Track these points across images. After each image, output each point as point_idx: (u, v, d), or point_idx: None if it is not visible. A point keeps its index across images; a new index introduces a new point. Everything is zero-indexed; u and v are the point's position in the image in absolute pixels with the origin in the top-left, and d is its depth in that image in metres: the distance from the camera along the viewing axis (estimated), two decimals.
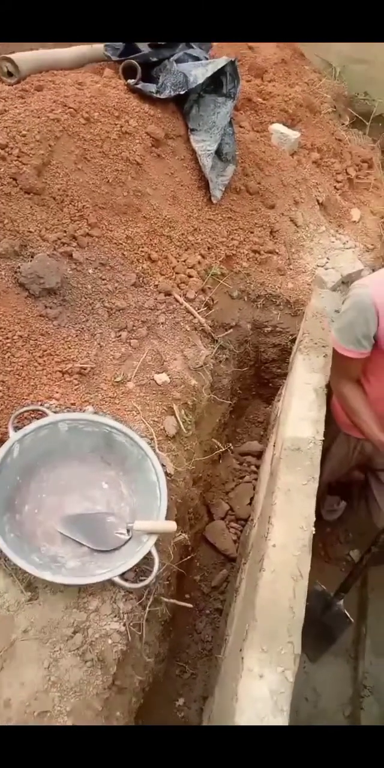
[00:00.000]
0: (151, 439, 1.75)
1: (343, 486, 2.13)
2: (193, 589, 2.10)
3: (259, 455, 2.35)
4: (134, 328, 2.04)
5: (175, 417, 1.85)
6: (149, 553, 1.42)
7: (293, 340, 2.37)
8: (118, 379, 1.87)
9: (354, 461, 1.84)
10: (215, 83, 2.55)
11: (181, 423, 1.85)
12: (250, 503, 2.15)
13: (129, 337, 2.01)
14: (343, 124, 4.05)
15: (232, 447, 2.41)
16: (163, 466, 1.70)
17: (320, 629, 1.68)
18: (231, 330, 2.30)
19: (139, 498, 1.57)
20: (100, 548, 1.50)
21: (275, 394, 2.55)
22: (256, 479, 2.24)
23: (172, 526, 1.41)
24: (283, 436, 1.47)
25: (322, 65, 4.69)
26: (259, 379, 2.58)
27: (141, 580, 1.47)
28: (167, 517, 1.58)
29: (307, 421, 1.48)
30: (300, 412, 1.51)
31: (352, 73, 4.65)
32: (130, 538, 1.48)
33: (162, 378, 1.92)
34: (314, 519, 1.25)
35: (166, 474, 1.71)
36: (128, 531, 1.48)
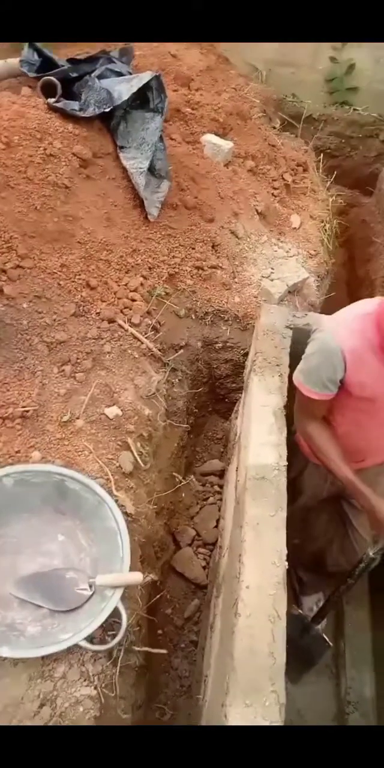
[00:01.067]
0: (107, 479, 1.65)
1: (316, 579, 2.07)
2: (165, 623, 2.02)
3: (221, 474, 2.29)
4: (78, 361, 1.93)
5: (131, 452, 1.76)
6: (116, 608, 1.33)
7: (245, 355, 2.33)
8: (66, 418, 1.77)
9: (326, 491, 1.80)
10: (141, 98, 2.49)
11: (137, 457, 1.76)
12: (216, 526, 2.09)
13: (73, 371, 1.91)
14: (274, 127, 4.09)
15: (193, 470, 2.35)
16: (122, 506, 1.61)
17: (299, 652, 1.64)
18: (181, 350, 2.23)
19: (99, 547, 1.48)
20: (62, 608, 1.39)
21: (232, 409, 2.50)
22: (220, 500, 2.19)
23: (137, 577, 1.32)
24: (245, 464, 1.42)
25: (248, 69, 4.73)
26: (214, 396, 2.53)
27: (109, 636, 1.38)
28: (132, 561, 1.50)
29: (269, 446, 1.43)
30: (260, 438, 1.46)
31: (278, 76, 4.73)
32: (93, 594, 1.39)
33: (113, 411, 1.83)
34: (286, 552, 1.20)
35: (127, 515, 1.62)
36: (91, 586, 1.38)
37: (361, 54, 4.47)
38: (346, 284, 3.64)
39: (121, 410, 1.84)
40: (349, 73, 4.59)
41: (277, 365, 1.71)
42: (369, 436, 1.63)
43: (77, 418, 1.79)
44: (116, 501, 1.58)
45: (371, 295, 3.25)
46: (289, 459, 1.65)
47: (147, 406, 1.93)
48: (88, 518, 1.50)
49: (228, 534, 1.61)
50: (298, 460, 1.81)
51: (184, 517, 2.17)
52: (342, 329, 1.44)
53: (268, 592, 1.12)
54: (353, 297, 3.61)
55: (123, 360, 2.00)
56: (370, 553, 1.55)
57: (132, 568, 1.46)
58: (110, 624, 1.39)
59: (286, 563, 1.17)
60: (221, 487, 2.25)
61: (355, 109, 4.65)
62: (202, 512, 2.15)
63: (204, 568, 2.03)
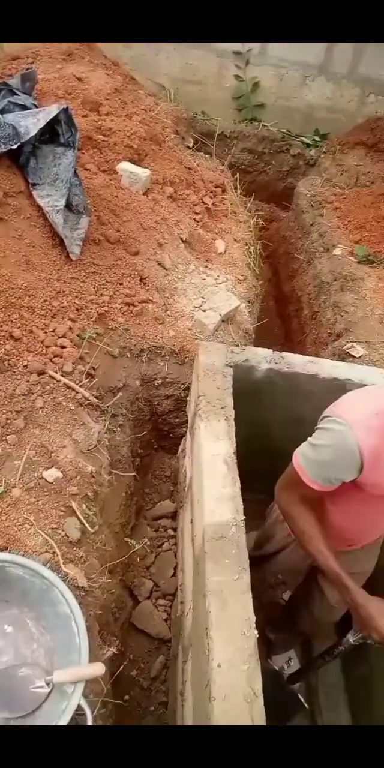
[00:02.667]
0: (53, 553, 1.52)
1: (285, 638, 2.02)
2: (131, 686, 1.90)
3: (174, 515, 2.21)
4: (8, 421, 1.78)
5: (77, 516, 1.64)
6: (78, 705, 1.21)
7: (186, 389, 2.28)
8: (0, 489, 1.61)
9: (305, 571, 1.74)
10: (51, 132, 2.36)
11: (84, 522, 1.64)
12: (174, 574, 2.01)
13: (3, 433, 1.75)
14: (188, 147, 4.10)
15: (144, 514, 2.25)
16: (74, 580, 1.49)
17: (272, 707, 1.59)
18: (120, 393, 2.13)
19: (53, 635, 1.34)
20: (18, 714, 1.25)
21: (177, 444, 2.44)
22: (175, 544, 2.10)
23: (98, 670, 1.21)
24: (202, 524, 1.35)
25: (156, 88, 4.74)
26: (158, 433, 2.45)
27: None
28: (91, 638, 1.38)
29: (224, 500, 1.38)
30: (214, 491, 1.40)
31: (186, 94, 4.77)
32: (51, 691, 1.25)
33: (53, 474, 1.69)
34: (254, 618, 1.14)
35: (80, 588, 1.50)
36: (48, 683, 1.25)
37: (265, 72, 4.62)
38: (274, 300, 3.70)
39: (62, 471, 1.71)
40: (255, 91, 4.73)
41: (222, 408, 1.66)
42: (367, 524, 1.56)
43: (13, 487, 1.64)
44: (66, 578, 1.46)
45: (299, 311, 3.33)
46: (270, 533, 1.59)
47: (89, 461, 1.81)
48: (37, 604, 1.36)
49: (189, 592, 1.54)
50: (282, 536, 1.74)
51: (139, 568, 2.06)
52: (361, 426, 1.27)
53: (241, 667, 1.06)
54: (282, 313, 3.69)
55: (58, 414, 1.87)
56: (351, 640, 1.48)
57: (91, 649, 1.35)
58: (73, 717, 1.27)
59: (256, 632, 1.12)
60: (175, 530, 2.16)
61: (264, 125, 4.79)
62: (157, 561, 2.06)
63: (165, 620, 1.93)
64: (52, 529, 1.58)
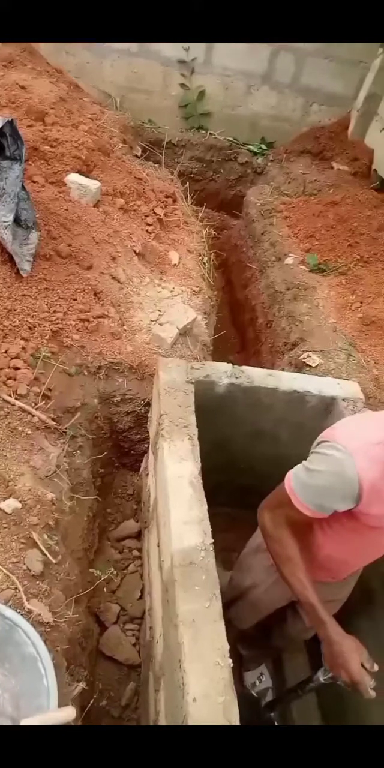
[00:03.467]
0: (15, 589, 1.45)
1: (257, 653, 1.98)
2: (101, 718, 1.84)
3: (138, 535, 2.17)
4: None
5: (39, 548, 1.57)
6: None
7: (146, 405, 2.25)
8: None
9: (283, 603, 1.68)
10: None
11: (46, 553, 1.57)
12: (141, 597, 1.97)
13: None
14: (136, 156, 4.07)
15: (107, 536, 2.19)
16: (38, 616, 1.43)
17: None
18: (78, 413, 2.07)
19: (18, 678, 1.27)
20: None
21: (139, 461, 2.40)
22: (141, 565, 2.06)
23: (69, 714, 1.16)
24: (170, 550, 1.32)
25: (101, 96, 4.67)
26: (119, 450, 2.40)
27: None
28: (58, 676, 1.32)
29: (191, 524, 1.35)
30: (180, 515, 1.37)
31: (132, 102, 4.74)
32: None
33: (11, 505, 1.61)
34: (228, 647, 1.13)
35: (45, 624, 1.44)
36: None
37: (210, 81, 4.65)
38: (228, 309, 3.73)
39: (20, 501, 1.63)
40: (201, 99, 4.75)
41: (185, 426, 1.64)
42: (355, 553, 1.50)
43: None
44: (30, 615, 1.39)
45: (254, 320, 3.37)
46: (248, 564, 1.52)
47: (49, 488, 1.74)
48: (1, 647, 1.29)
49: (158, 618, 1.50)
50: (261, 568, 1.67)
51: (105, 592, 2.01)
52: (363, 456, 1.21)
53: (217, 700, 1.04)
54: (237, 321, 3.72)
55: (14, 440, 1.79)
56: (321, 679, 1.42)
57: (60, 687, 1.29)
58: None
59: (230, 661, 1.11)
60: (139, 550, 2.12)
61: (211, 134, 4.83)
62: (123, 584, 2.01)
63: (134, 645, 1.89)
64: (13, 563, 1.51)
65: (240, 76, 4.65)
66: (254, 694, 1.81)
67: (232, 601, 1.80)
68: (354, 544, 1.43)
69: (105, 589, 2.03)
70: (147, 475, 2.07)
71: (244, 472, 2.15)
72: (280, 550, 1.37)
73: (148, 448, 2.30)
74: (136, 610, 1.93)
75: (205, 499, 1.45)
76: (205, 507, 1.43)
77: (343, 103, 4.69)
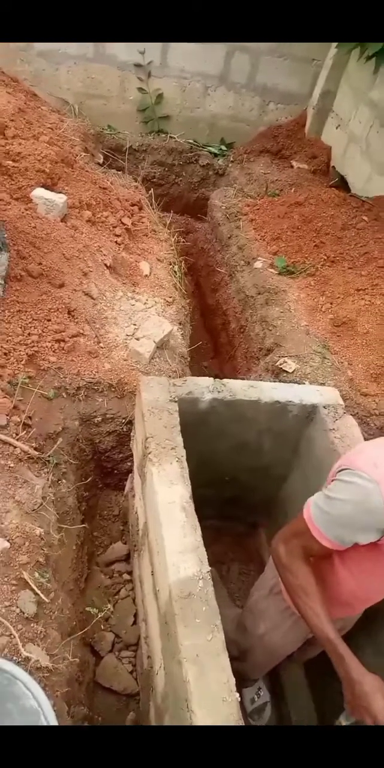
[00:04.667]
0: (10, 635, 1.41)
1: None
2: None
3: (127, 557, 2.15)
4: None
5: (30, 588, 1.53)
6: None
7: (128, 423, 2.22)
8: None
9: (300, 643, 1.62)
10: None
11: (39, 592, 1.53)
12: (134, 622, 1.95)
13: None
14: (98, 164, 4.01)
15: (96, 560, 2.16)
16: (36, 662, 1.39)
17: None
18: (60, 439, 2.02)
19: None
20: None
21: (122, 480, 2.37)
22: (132, 589, 2.04)
23: None
24: (167, 582, 1.31)
25: (59, 103, 4.58)
26: (101, 470, 2.36)
27: None
28: (60, 721, 1.30)
29: (186, 552, 1.34)
30: (175, 544, 1.36)
31: (90, 109, 4.66)
32: None
33: None
34: (234, 680, 1.13)
35: (42, 669, 1.40)
36: None
37: (167, 84, 4.62)
38: (199, 314, 3.73)
39: (8, 540, 1.58)
40: (159, 103, 4.71)
41: (172, 448, 1.63)
42: (377, 585, 1.42)
43: None
44: (27, 663, 1.36)
45: (226, 325, 3.38)
46: (260, 609, 1.52)
47: (36, 522, 1.70)
48: (1, 702, 1.25)
49: (157, 649, 1.49)
50: (276, 611, 1.58)
51: (98, 622, 1.97)
52: None
53: None
54: (209, 326, 3.72)
55: None
56: (343, 724, 1.34)
57: None
58: None
59: (237, 695, 1.11)
60: (130, 573, 2.10)
61: (171, 137, 4.80)
62: (116, 610, 1.98)
63: (131, 672, 1.86)
64: (6, 607, 1.46)
65: (197, 78, 4.64)
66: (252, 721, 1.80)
67: (244, 653, 1.72)
68: (378, 577, 1.35)
69: (98, 618, 1.99)
70: (133, 496, 2.05)
71: (229, 485, 2.16)
72: (294, 580, 1.31)
73: (131, 466, 2.28)
74: (131, 637, 1.91)
75: (198, 524, 1.44)
76: (199, 532, 1.42)
77: (298, 100, 4.76)
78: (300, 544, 1.30)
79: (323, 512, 1.24)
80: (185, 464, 1.59)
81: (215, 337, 3.57)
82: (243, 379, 2.83)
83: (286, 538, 1.35)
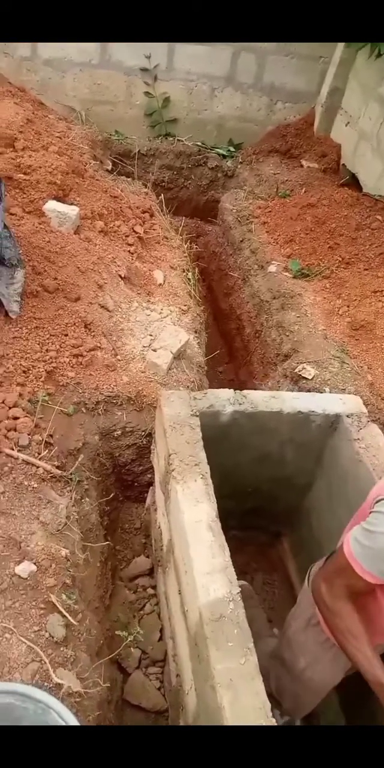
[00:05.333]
0: (41, 661, 1.40)
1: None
2: None
3: (150, 572, 2.14)
4: None
5: (58, 611, 1.53)
6: None
7: (148, 436, 2.21)
8: None
9: (342, 676, 1.57)
10: None
11: (67, 615, 1.53)
12: (160, 637, 1.94)
13: None
14: (107, 171, 4.00)
15: (119, 575, 2.16)
16: (68, 688, 1.38)
17: None
18: (81, 455, 2.02)
19: None
20: None
21: (143, 492, 2.36)
22: (156, 604, 2.03)
23: None
24: (196, 603, 1.30)
25: (66, 111, 4.58)
26: (122, 483, 2.36)
27: None
28: None
29: (215, 573, 1.33)
30: (203, 565, 1.35)
31: (97, 115, 4.65)
32: None
33: (26, 569, 1.56)
34: (269, 705, 1.12)
35: (74, 695, 1.40)
36: None
37: (174, 87, 4.60)
38: (212, 317, 3.70)
39: (35, 563, 1.58)
40: (166, 106, 4.69)
41: (196, 464, 1.61)
42: None
43: None
44: (59, 690, 1.35)
45: (241, 329, 3.36)
46: (298, 641, 1.48)
47: (61, 542, 1.69)
48: None
49: (187, 669, 1.47)
50: (314, 643, 1.53)
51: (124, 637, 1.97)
52: None
53: None
54: (223, 330, 3.69)
55: (21, 496, 1.73)
56: None
57: None
58: None
59: (273, 719, 1.09)
60: (154, 588, 2.09)
61: (179, 140, 4.77)
62: (141, 626, 1.97)
63: (159, 689, 1.86)
64: (35, 632, 1.46)
65: (203, 80, 4.61)
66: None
67: (281, 690, 1.67)
68: None
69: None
70: (155, 510, 2.04)
71: (251, 495, 2.14)
72: (342, 624, 1.26)
73: (151, 479, 2.27)
74: (158, 653, 1.90)
75: (225, 544, 1.43)
76: (228, 552, 1.41)
77: (306, 99, 4.70)
78: (343, 583, 1.26)
79: (364, 547, 1.21)
80: (210, 481, 1.58)
81: (229, 341, 3.54)
82: (260, 384, 2.81)
83: (328, 578, 1.31)
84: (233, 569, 1.35)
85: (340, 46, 4.30)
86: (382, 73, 3.71)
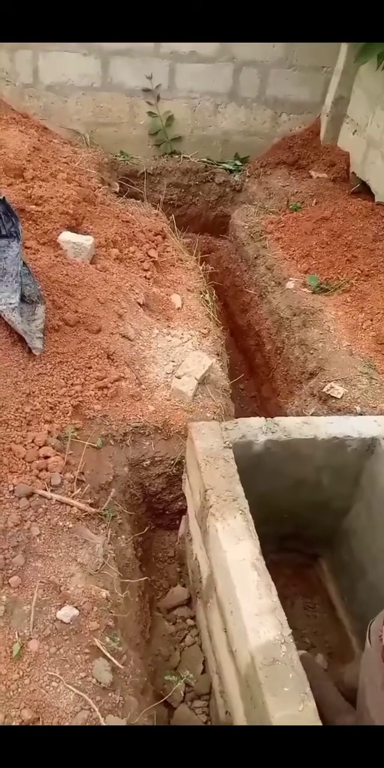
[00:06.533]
0: (90, 709, 1.38)
1: None
2: None
3: (188, 601, 2.11)
4: (7, 561, 1.61)
5: (103, 655, 1.51)
6: None
7: (178, 464, 2.19)
8: (16, 648, 1.45)
9: None
10: None
11: (112, 658, 1.51)
12: (204, 670, 1.91)
13: (4, 577, 1.59)
14: (116, 194, 4.02)
15: (157, 606, 2.13)
16: None
17: None
18: (112, 489, 2.00)
19: None
20: None
21: (174, 520, 2.34)
22: (197, 635, 2.00)
23: None
24: (246, 646, 1.27)
25: (70, 135, 4.62)
26: (153, 512, 2.34)
27: None
28: None
29: (264, 614, 1.30)
30: (251, 606, 1.32)
31: (101, 137, 4.69)
32: None
33: (68, 613, 1.54)
34: None
35: None
36: None
37: (177, 105, 4.62)
38: (230, 333, 3.69)
39: (76, 607, 1.56)
40: (170, 124, 4.71)
41: (234, 500, 1.59)
42: None
43: (29, 640, 1.48)
44: None
45: (261, 346, 3.33)
46: (374, 704, 1.39)
47: (100, 583, 1.67)
48: None
49: (238, 708, 1.44)
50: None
51: (166, 671, 1.94)
52: None
53: None
54: (241, 346, 3.67)
55: (58, 538, 1.72)
56: None
57: None
58: None
59: None
60: (193, 618, 2.06)
61: (185, 157, 4.79)
62: (183, 658, 1.95)
63: (205, 723, 1.82)
64: (82, 678, 1.44)
65: (206, 96, 4.62)
66: None
67: None
68: None
69: (166, 668, 1.96)
70: (190, 540, 2.01)
71: (287, 520, 2.11)
72: None
73: (182, 505, 2.25)
74: (202, 686, 1.87)
75: (272, 583, 1.40)
76: (275, 591, 1.38)
77: (311, 109, 4.71)
78: None
79: None
80: (249, 516, 1.55)
81: (249, 358, 3.52)
82: (285, 403, 2.79)
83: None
84: (282, 610, 1.32)
85: (343, 54, 4.30)
86: None
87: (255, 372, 3.42)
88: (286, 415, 2.71)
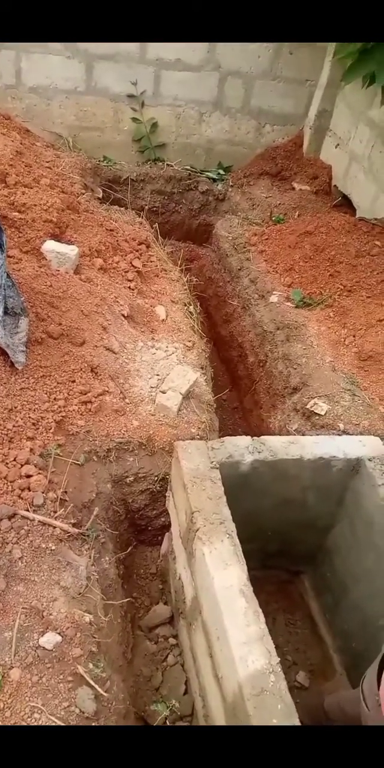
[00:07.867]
0: None
1: None
2: None
3: (170, 620, 2.09)
4: None
5: (87, 683, 1.48)
6: None
7: (162, 480, 2.17)
8: None
9: None
10: None
11: (96, 686, 1.48)
12: (186, 691, 1.89)
13: None
14: (99, 199, 3.97)
15: (138, 624, 2.10)
16: None
17: None
18: (95, 508, 1.97)
19: None
20: None
21: (156, 536, 2.32)
22: (180, 654, 1.99)
23: None
24: (235, 676, 1.26)
25: (52, 138, 4.56)
26: (135, 528, 2.31)
27: None
28: None
29: (252, 642, 1.29)
30: (238, 634, 1.31)
31: (84, 141, 4.64)
32: None
33: (51, 639, 1.51)
34: None
35: None
36: None
37: (161, 112, 4.60)
38: (212, 343, 3.68)
39: (59, 633, 1.53)
40: (154, 131, 4.70)
41: (221, 522, 1.58)
42: None
43: (10, 668, 1.44)
44: None
45: (243, 357, 3.33)
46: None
47: (84, 607, 1.64)
48: None
49: (215, 704, 1.43)
50: None
51: (148, 692, 1.92)
52: None
53: None
54: (223, 357, 3.67)
55: (40, 560, 1.68)
56: None
57: None
58: None
59: None
60: (175, 637, 2.04)
61: (168, 165, 4.77)
62: (165, 678, 1.92)
63: None
64: (65, 708, 1.41)
65: (191, 104, 4.62)
66: None
67: None
68: None
69: (147, 689, 1.94)
70: (174, 559, 1.99)
71: (272, 538, 2.11)
72: None
73: (165, 521, 2.23)
74: (185, 707, 1.85)
75: (260, 609, 1.39)
76: (263, 618, 1.37)
77: (294, 121, 4.75)
78: None
79: None
80: (237, 541, 1.54)
81: (231, 368, 3.52)
82: (268, 416, 2.79)
83: None
84: (270, 637, 1.32)
85: (327, 68, 4.36)
86: (370, 96, 3.76)
87: (237, 383, 3.42)
88: (268, 428, 2.73)
